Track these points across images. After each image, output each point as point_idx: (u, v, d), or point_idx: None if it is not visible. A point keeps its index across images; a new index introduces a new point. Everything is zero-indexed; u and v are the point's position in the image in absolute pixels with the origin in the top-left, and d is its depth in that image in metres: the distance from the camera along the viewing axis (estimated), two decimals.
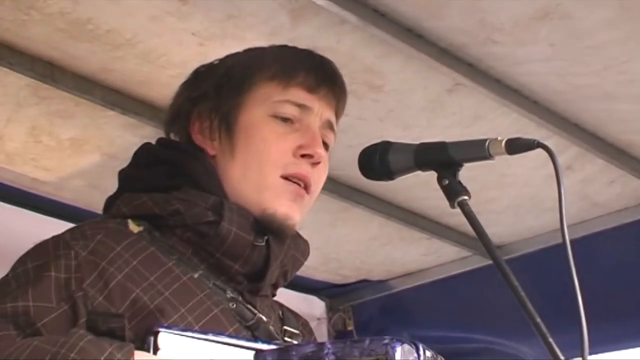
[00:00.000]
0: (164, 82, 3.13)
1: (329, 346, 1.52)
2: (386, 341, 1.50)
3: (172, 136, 2.00)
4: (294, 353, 1.55)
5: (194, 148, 1.92)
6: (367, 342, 1.51)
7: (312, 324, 5.06)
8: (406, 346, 1.52)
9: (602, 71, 3.17)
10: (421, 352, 1.54)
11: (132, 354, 1.47)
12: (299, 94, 1.92)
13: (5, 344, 1.52)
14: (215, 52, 2.94)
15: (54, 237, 1.76)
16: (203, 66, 2.04)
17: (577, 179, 3.82)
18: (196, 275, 1.78)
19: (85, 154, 3.49)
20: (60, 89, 3.08)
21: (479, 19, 2.90)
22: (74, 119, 3.27)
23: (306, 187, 1.90)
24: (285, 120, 1.90)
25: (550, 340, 1.54)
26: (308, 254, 1.98)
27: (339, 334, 4.95)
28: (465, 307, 4.64)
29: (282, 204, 1.86)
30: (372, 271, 4.76)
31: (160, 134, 3.31)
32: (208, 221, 1.80)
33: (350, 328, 4.97)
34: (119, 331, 1.55)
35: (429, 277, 4.73)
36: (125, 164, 3.62)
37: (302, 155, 1.89)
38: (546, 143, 1.70)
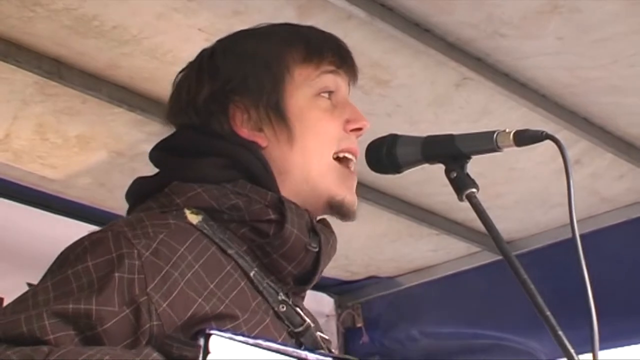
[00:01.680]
0: (171, 79, 3.09)
1: None
2: None
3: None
4: None
5: (245, 140, 1.86)
6: None
7: (321, 321, 5.09)
8: None
9: (610, 64, 3.16)
10: None
11: None
12: (329, 73, 1.91)
13: (72, 350, 1.49)
14: None
15: (112, 232, 1.67)
16: (214, 53, 1.97)
17: (586, 173, 3.81)
18: (252, 274, 1.74)
19: (92, 151, 3.49)
20: (67, 86, 3.08)
21: (487, 13, 2.89)
22: (81, 116, 3.27)
23: (354, 164, 1.90)
24: (329, 94, 1.90)
25: (560, 333, 1.53)
26: (336, 250, 1.97)
27: (348, 331, 4.94)
28: (475, 303, 4.63)
29: (348, 192, 1.87)
30: (381, 267, 4.76)
31: (167, 130, 3.32)
32: (268, 219, 1.77)
33: (359, 325, 4.96)
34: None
35: (438, 273, 4.73)
36: (132, 161, 3.64)
37: (351, 130, 1.89)
38: (558, 138, 1.69)
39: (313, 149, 1.85)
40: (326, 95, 1.90)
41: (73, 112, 3.25)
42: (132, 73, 3.13)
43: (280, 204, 1.77)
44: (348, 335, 4.95)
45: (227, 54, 1.95)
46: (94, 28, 2.87)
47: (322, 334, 1.88)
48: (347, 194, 1.87)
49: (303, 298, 1.90)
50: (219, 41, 2.00)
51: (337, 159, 1.87)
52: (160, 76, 3.13)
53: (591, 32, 2.98)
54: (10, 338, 1.52)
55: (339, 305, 4.98)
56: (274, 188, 1.81)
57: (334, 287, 4.90)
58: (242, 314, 1.67)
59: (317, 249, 1.81)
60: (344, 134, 1.88)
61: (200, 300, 1.64)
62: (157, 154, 1.92)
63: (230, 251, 1.74)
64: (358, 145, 1.90)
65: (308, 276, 1.82)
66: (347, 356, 1.90)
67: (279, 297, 1.76)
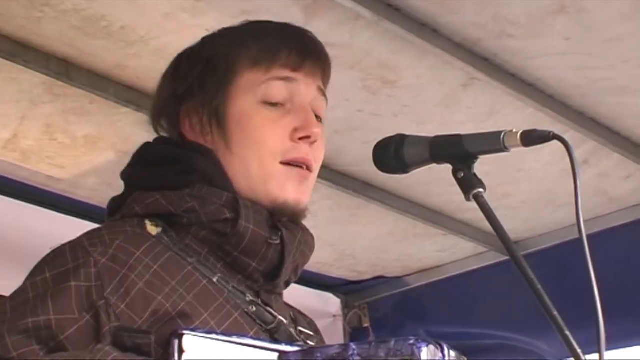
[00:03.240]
0: None
1: (354, 347, 1.51)
2: (412, 342, 1.49)
3: (162, 133, 1.97)
4: (318, 355, 1.53)
5: (198, 145, 1.88)
6: (392, 342, 1.50)
7: (328, 321, 5.09)
8: (431, 346, 1.51)
9: (618, 65, 3.15)
10: (446, 352, 1.53)
11: None
12: (283, 72, 1.88)
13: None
14: None
15: (71, 244, 1.71)
16: (182, 54, 2.00)
17: (593, 173, 3.81)
18: (215, 279, 1.75)
19: (99, 152, 3.49)
20: (75, 86, 3.09)
21: (494, 12, 2.89)
22: (89, 116, 3.28)
23: (308, 169, 1.87)
24: (275, 105, 1.87)
25: (567, 333, 1.53)
26: (314, 248, 1.95)
27: (354, 331, 4.94)
28: (482, 303, 4.63)
29: (290, 191, 1.84)
30: (388, 268, 4.75)
31: None
32: (224, 218, 1.78)
33: (366, 325, 4.96)
34: (145, 347, 1.55)
35: (445, 273, 4.72)
36: (144, 143, 3.63)
37: (300, 139, 1.86)
38: (565, 139, 1.69)
39: (252, 158, 1.85)
40: (274, 104, 1.87)
41: (81, 112, 3.25)
42: (140, 73, 3.13)
43: (235, 203, 1.78)
44: (355, 335, 4.94)
45: (188, 58, 1.98)
46: (102, 28, 2.88)
47: (304, 329, 1.89)
48: (289, 195, 1.85)
49: (281, 295, 1.90)
50: (192, 45, 2.01)
51: (287, 164, 1.86)
52: None
53: (599, 32, 2.98)
54: None
55: (345, 306, 4.98)
56: (230, 189, 1.82)
57: (341, 287, 4.90)
58: (206, 310, 1.68)
59: (278, 242, 1.80)
60: (291, 143, 1.85)
61: (160, 297, 1.65)
62: (123, 171, 1.95)
63: (190, 259, 1.75)
64: (314, 152, 1.88)
65: (276, 271, 1.82)
66: (325, 345, 1.88)
67: (247, 299, 1.77)
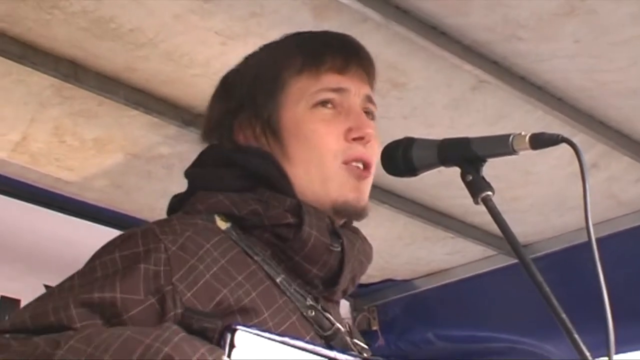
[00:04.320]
0: (187, 81, 3.14)
1: None
2: None
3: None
4: None
5: (262, 151, 1.90)
6: None
7: None
8: None
9: (627, 67, 3.14)
10: None
11: (222, 359, 1.46)
12: (331, 79, 1.91)
13: (96, 330, 1.52)
14: (238, 50, 2.94)
15: (142, 229, 1.73)
16: (228, 75, 2.03)
17: (602, 177, 3.80)
18: (278, 280, 1.76)
19: (108, 154, 3.50)
20: (84, 88, 3.09)
21: (503, 15, 2.88)
22: (98, 118, 3.28)
23: (366, 167, 1.89)
24: (326, 104, 1.89)
25: (576, 336, 1.53)
26: (372, 258, 1.97)
27: (363, 334, 4.93)
28: (490, 306, 4.62)
29: (350, 190, 1.86)
30: (397, 271, 4.75)
31: (183, 133, 3.33)
32: (287, 223, 1.79)
33: (375, 328, 4.96)
34: (211, 332, 1.55)
35: (454, 276, 4.72)
36: (148, 164, 3.66)
37: (354, 139, 1.87)
38: (574, 142, 1.69)
39: (311, 161, 1.86)
40: (325, 105, 1.89)
41: (90, 114, 3.25)
42: (149, 76, 3.13)
43: (298, 208, 1.79)
44: (364, 338, 4.93)
45: (234, 75, 2.01)
46: (110, 31, 2.88)
47: (359, 342, 1.89)
48: (349, 194, 1.86)
49: (338, 303, 1.90)
50: (236, 65, 2.04)
51: (346, 163, 1.87)
52: (177, 79, 3.14)
53: (608, 35, 2.97)
54: (39, 329, 1.56)
55: (354, 308, 4.98)
56: (292, 193, 1.84)
57: None
58: (267, 309, 1.69)
59: (339, 249, 1.81)
60: (346, 144, 1.87)
61: (225, 290, 1.66)
62: (188, 171, 1.96)
63: (256, 257, 1.77)
64: (369, 151, 1.90)
65: (335, 278, 1.82)
66: (378, 358, 1.89)
67: (307, 303, 1.78)
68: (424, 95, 3.31)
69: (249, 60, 2.03)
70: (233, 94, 1.97)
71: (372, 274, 4.76)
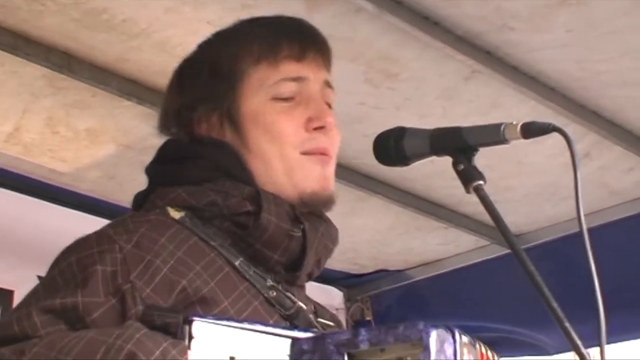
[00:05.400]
0: None
1: (364, 333, 1.52)
2: (420, 327, 1.49)
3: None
4: (329, 340, 1.54)
5: (220, 142, 1.90)
6: (401, 328, 1.50)
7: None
8: (441, 331, 1.50)
9: (619, 57, 3.15)
10: (457, 337, 1.52)
11: (186, 352, 1.46)
12: (289, 68, 1.91)
13: (60, 335, 1.53)
14: None
15: (96, 232, 1.74)
16: (183, 66, 2.02)
17: (595, 166, 3.81)
18: (237, 263, 1.77)
19: (101, 145, 3.50)
20: (76, 79, 3.09)
21: (495, 5, 2.89)
22: (90, 109, 3.28)
23: (329, 154, 1.89)
24: (286, 99, 1.89)
25: (567, 325, 1.53)
26: (337, 241, 1.97)
27: (357, 324, 4.95)
28: (483, 296, 4.63)
29: (315, 180, 1.86)
30: (390, 261, 4.76)
31: None
32: (246, 211, 1.80)
33: (368, 318, 4.97)
34: (173, 327, 1.54)
35: (447, 266, 4.73)
36: (141, 155, 3.65)
37: (314, 129, 1.88)
38: (565, 130, 1.69)
39: (271, 151, 1.87)
40: (285, 99, 1.89)
41: (83, 105, 3.25)
42: (142, 66, 3.13)
43: (257, 196, 1.80)
44: (357, 328, 4.94)
45: (190, 67, 2.00)
46: (103, 21, 2.88)
47: (324, 320, 1.90)
48: (315, 184, 1.86)
49: (303, 287, 1.92)
50: (188, 55, 2.03)
51: (306, 154, 1.88)
52: (170, 70, 3.10)
53: (600, 25, 2.98)
54: (5, 340, 1.56)
55: (347, 299, 4.99)
56: (252, 182, 1.84)
57: (343, 281, 4.90)
58: (227, 297, 1.70)
59: (299, 234, 1.82)
60: (306, 134, 1.88)
61: (184, 281, 1.67)
62: (147, 167, 1.97)
63: (213, 243, 1.78)
64: (330, 140, 1.90)
65: (297, 263, 1.83)
66: (336, 330, 1.89)
67: (267, 284, 1.79)
68: (416, 86, 3.31)
69: (204, 49, 2.01)
70: (190, 85, 1.97)
71: (365, 264, 4.77)
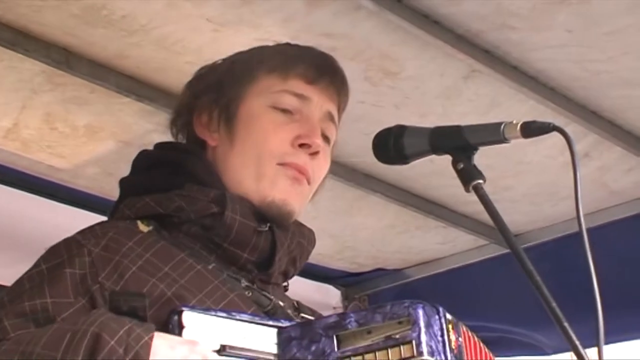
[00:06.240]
0: (179, 69, 3.12)
1: (351, 315, 1.54)
2: (407, 304, 1.53)
3: (174, 132, 2.03)
4: (316, 325, 1.56)
5: (192, 145, 1.95)
6: (388, 307, 1.54)
7: (328, 313, 5.07)
8: (428, 308, 1.54)
9: (620, 57, 3.14)
10: (441, 313, 1.57)
11: (152, 332, 1.48)
12: (298, 85, 1.94)
13: (26, 332, 1.55)
14: (230, 38, 2.95)
15: (65, 240, 1.77)
16: (206, 66, 2.07)
17: (594, 166, 3.80)
18: (210, 267, 1.79)
19: (100, 141, 3.49)
20: (75, 75, 3.08)
21: (496, 4, 2.88)
22: (89, 105, 3.27)
23: (307, 178, 1.91)
24: (285, 111, 1.92)
25: (566, 324, 1.53)
26: (314, 241, 1.99)
27: None
28: (482, 296, 4.63)
29: (280, 190, 1.87)
30: (388, 260, 4.75)
31: None
32: (212, 213, 1.81)
33: None
34: (141, 311, 1.56)
35: (445, 265, 4.72)
36: (140, 150, 3.64)
37: (300, 145, 1.89)
38: (565, 130, 1.69)
39: (250, 156, 1.89)
40: (283, 111, 1.91)
41: (81, 101, 3.24)
42: (141, 63, 3.13)
43: (222, 197, 1.82)
44: None
45: (210, 66, 2.05)
46: (102, 17, 2.87)
47: (307, 316, 1.91)
48: (278, 194, 1.87)
49: (279, 285, 1.93)
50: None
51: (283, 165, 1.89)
52: (169, 66, 3.13)
53: (601, 25, 2.97)
54: None
55: (345, 297, 4.98)
56: (220, 186, 1.87)
57: (341, 279, 4.90)
58: (201, 291, 1.71)
59: (267, 229, 1.83)
60: (291, 149, 1.89)
61: (153, 280, 1.69)
62: (121, 179, 2.01)
63: (184, 251, 1.79)
64: (313, 163, 1.91)
65: (269, 261, 1.84)
66: (323, 317, 1.90)
67: (242, 284, 1.80)
68: (416, 84, 3.30)
69: (231, 56, 2.07)
70: (203, 79, 2.02)
71: (363, 262, 4.76)
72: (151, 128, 3.40)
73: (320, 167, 1.94)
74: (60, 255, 1.72)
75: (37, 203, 3.73)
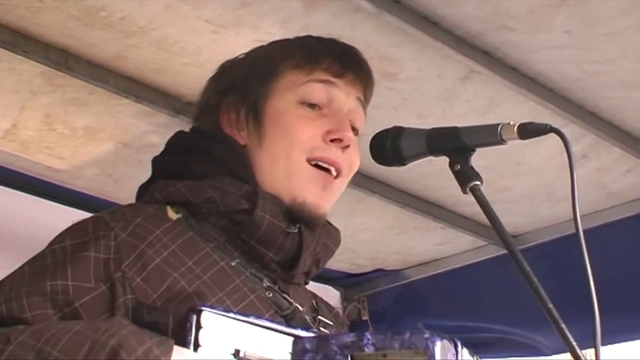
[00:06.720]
0: (178, 70, 3.13)
1: (369, 337, 1.54)
2: (426, 335, 1.51)
3: (197, 127, 2.02)
4: (333, 342, 1.55)
5: (227, 137, 1.92)
6: (407, 335, 1.52)
7: None
8: (445, 342, 1.53)
9: (618, 59, 3.14)
10: (459, 349, 1.56)
11: (171, 351, 1.47)
12: (323, 76, 1.93)
13: (46, 325, 1.53)
14: (228, 39, 2.95)
15: (93, 217, 1.76)
16: (229, 61, 2.05)
17: (592, 167, 3.80)
18: (233, 264, 1.78)
19: (99, 142, 3.49)
20: (75, 76, 3.08)
21: (494, 6, 2.88)
22: (88, 107, 3.27)
23: (337, 172, 1.90)
24: (313, 106, 1.91)
25: (563, 326, 1.53)
26: (339, 241, 1.98)
27: (353, 324, 4.94)
28: (480, 297, 4.63)
29: (311, 193, 1.87)
30: (387, 260, 4.76)
31: (174, 122, 3.33)
32: (242, 209, 1.81)
33: (365, 318, 4.96)
34: (162, 325, 1.57)
35: (444, 266, 4.72)
36: (139, 152, 3.65)
37: (332, 140, 1.89)
38: (562, 131, 1.69)
39: (280, 152, 1.88)
40: (311, 106, 1.91)
41: (80, 102, 3.25)
42: (140, 64, 3.13)
43: (253, 194, 1.81)
44: (354, 328, 4.93)
45: (233, 61, 2.04)
46: (101, 19, 2.87)
47: (324, 318, 1.90)
48: (310, 196, 1.87)
49: (300, 285, 1.92)
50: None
51: (315, 165, 1.88)
52: (168, 67, 3.14)
53: (599, 26, 2.97)
54: None
55: (345, 298, 4.98)
56: (252, 182, 1.86)
57: (340, 280, 4.90)
58: (222, 289, 1.71)
59: (296, 231, 1.83)
60: (322, 143, 1.88)
61: (175, 274, 1.68)
62: (154, 158, 1.99)
63: (209, 244, 1.79)
64: (345, 157, 1.90)
65: (293, 261, 1.84)
66: (341, 332, 1.90)
67: (264, 284, 1.80)
68: (415, 86, 3.31)
69: (253, 50, 2.05)
70: (227, 77, 2.00)
71: (362, 263, 4.76)
72: (150, 129, 3.40)
73: (352, 159, 1.93)
74: (86, 234, 1.70)
75: (36, 204, 3.73)
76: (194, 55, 3.05)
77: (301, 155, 1.87)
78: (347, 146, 1.90)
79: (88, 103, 3.25)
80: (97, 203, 3.76)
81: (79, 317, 1.60)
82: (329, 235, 1.94)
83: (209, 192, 1.82)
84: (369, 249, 4.58)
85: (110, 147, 3.53)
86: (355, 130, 1.96)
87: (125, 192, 3.76)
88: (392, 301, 4.93)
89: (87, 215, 3.90)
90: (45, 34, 2.95)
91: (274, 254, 1.82)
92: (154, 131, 3.40)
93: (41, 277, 1.63)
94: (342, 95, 1.94)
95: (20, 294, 1.60)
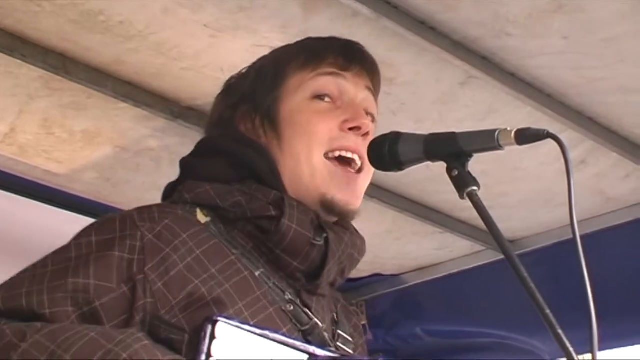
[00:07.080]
0: (176, 74, 3.13)
1: None
2: None
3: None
4: None
5: (254, 142, 1.93)
6: None
7: None
8: None
9: (616, 64, 3.15)
10: None
11: None
12: (329, 69, 1.94)
13: (61, 326, 1.53)
14: (227, 44, 2.95)
15: (122, 214, 1.75)
16: (233, 76, 2.07)
17: (591, 173, 3.80)
18: (257, 273, 1.77)
19: (97, 146, 3.49)
20: (73, 80, 3.08)
21: (493, 11, 2.88)
22: (86, 111, 3.27)
23: (360, 160, 1.90)
24: (325, 98, 1.92)
25: (559, 331, 1.53)
26: (364, 251, 1.99)
27: None
28: (478, 301, 4.62)
29: (338, 189, 1.88)
30: (385, 265, 4.75)
31: (172, 126, 3.33)
32: (269, 216, 1.80)
33: (363, 322, 4.94)
34: (177, 344, 1.57)
35: (442, 271, 4.72)
36: (137, 157, 3.66)
37: (350, 129, 1.90)
38: (560, 137, 1.69)
39: (301, 151, 1.88)
40: (323, 98, 1.91)
41: (78, 107, 3.25)
42: (138, 69, 3.13)
43: (281, 201, 1.80)
44: None
45: (238, 74, 2.06)
46: (100, 23, 2.88)
47: (343, 333, 1.89)
48: (337, 192, 1.87)
49: (324, 296, 1.90)
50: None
51: (335, 158, 1.89)
52: (166, 72, 3.14)
53: (597, 32, 2.97)
54: (9, 310, 1.59)
55: None
56: (280, 187, 1.85)
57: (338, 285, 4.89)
58: (242, 300, 1.70)
59: (321, 243, 1.82)
60: (340, 133, 1.89)
61: (197, 281, 1.68)
62: (182, 159, 1.99)
63: (235, 251, 1.77)
64: (363, 143, 1.91)
65: (318, 272, 1.83)
66: (356, 356, 1.90)
67: (286, 297, 1.78)
68: (413, 90, 3.31)
69: (256, 61, 2.06)
70: (236, 88, 2.01)
71: (360, 268, 4.72)
72: (148, 133, 3.40)
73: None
74: (113, 231, 1.70)
75: (34, 208, 3.73)
76: (192, 60, 3.05)
77: (320, 149, 1.88)
78: (367, 133, 1.92)
79: (86, 107, 3.25)
80: (95, 207, 3.77)
81: (98, 317, 1.60)
82: (355, 245, 1.94)
83: (237, 196, 1.82)
84: (367, 254, 4.48)
85: (108, 151, 3.53)
86: (371, 115, 1.97)
87: (123, 196, 3.76)
88: (390, 306, 4.93)
89: (85, 219, 3.91)
90: (44, 38, 2.95)
91: (299, 263, 1.81)
92: (152, 135, 3.41)
93: (63, 272, 1.63)
94: (352, 87, 1.95)
95: (42, 289, 1.60)
